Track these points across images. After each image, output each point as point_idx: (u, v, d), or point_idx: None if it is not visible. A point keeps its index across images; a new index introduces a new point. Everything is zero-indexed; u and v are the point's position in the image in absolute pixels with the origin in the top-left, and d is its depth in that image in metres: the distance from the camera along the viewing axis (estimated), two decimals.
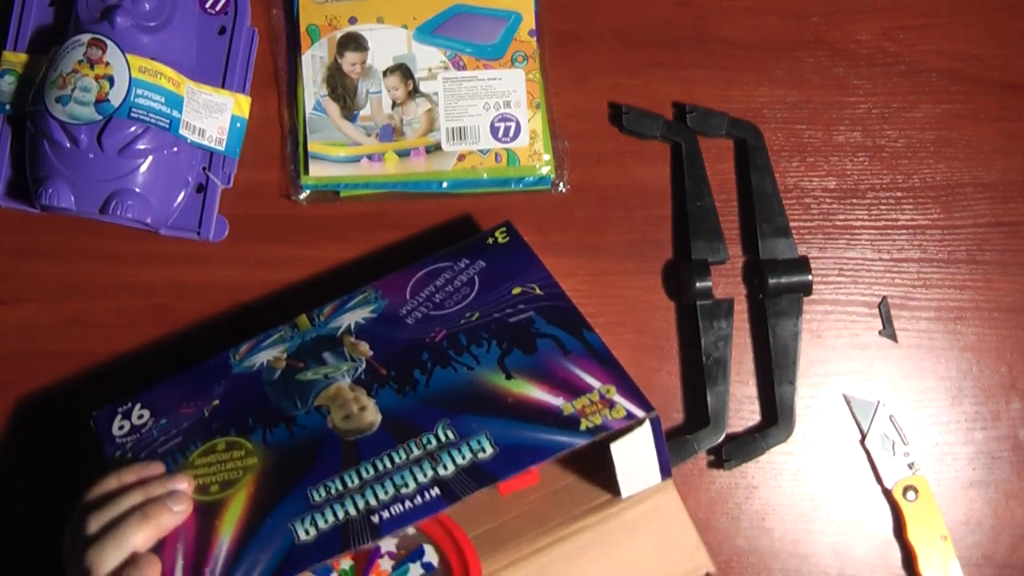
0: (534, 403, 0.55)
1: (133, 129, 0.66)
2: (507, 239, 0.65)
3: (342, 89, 0.71)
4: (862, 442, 0.69)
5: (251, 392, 0.61)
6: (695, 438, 0.66)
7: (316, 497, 0.54)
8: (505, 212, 0.71)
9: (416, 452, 0.54)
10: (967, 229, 0.72)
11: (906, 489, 0.68)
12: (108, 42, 0.66)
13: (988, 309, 0.71)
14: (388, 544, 0.59)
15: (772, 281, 0.68)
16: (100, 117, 0.66)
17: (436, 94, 0.71)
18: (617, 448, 0.54)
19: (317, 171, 0.70)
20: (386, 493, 0.53)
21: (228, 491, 0.56)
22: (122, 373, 0.69)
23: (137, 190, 0.67)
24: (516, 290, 0.62)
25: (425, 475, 0.53)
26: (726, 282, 0.71)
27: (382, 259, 0.70)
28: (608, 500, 0.59)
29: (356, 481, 0.54)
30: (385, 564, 0.58)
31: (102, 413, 0.63)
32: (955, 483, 0.69)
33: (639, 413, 0.54)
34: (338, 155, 0.71)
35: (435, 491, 0.53)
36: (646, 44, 0.73)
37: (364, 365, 0.60)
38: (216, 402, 0.61)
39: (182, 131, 0.68)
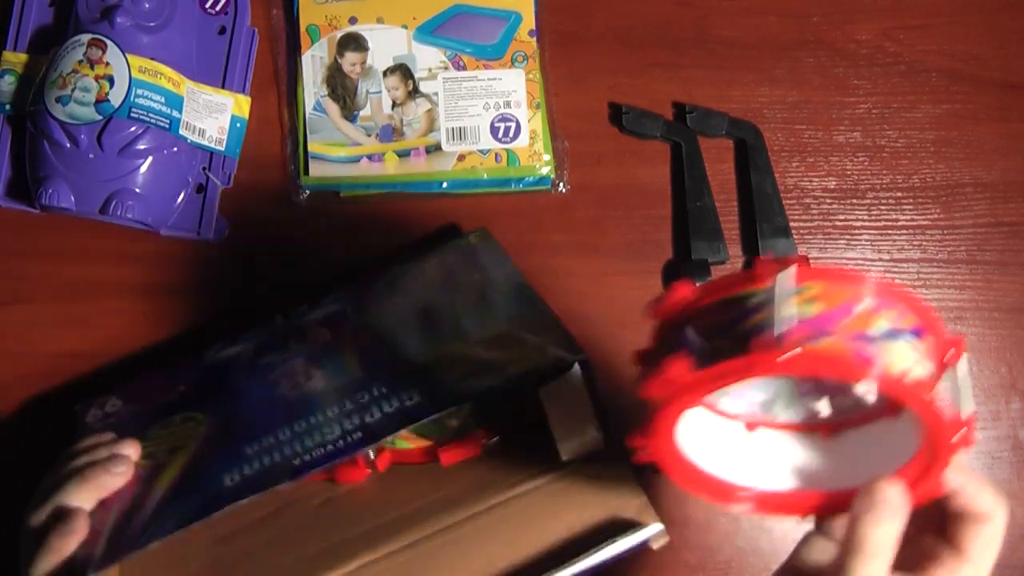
0: (468, 357, 0.56)
1: (133, 129, 0.66)
2: (479, 240, 0.67)
3: (342, 89, 0.71)
4: None
5: (215, 378, 0.63)
6: None
7: (247, 451, 0.55)
8: (505, 212, 0.71)
9: (349, 406, 0.55)
10: (967, 229, 0.72)
11: None
12: (108, 42, 0.66)
13: (988, 309, 0.71)
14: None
15: None
16: (100, 117, 0.66)
17: (436, 94, 0.71)
18: (546, 393, 0.55)
19: (317, 171, 0.70)
20: (312, 441, 0.54)
21: (173, 455, 0.57)
22: (122, 373, 0.69)
23: (137, 190, 0.67)
24: (476, 276, 0.63)
25: (352, 423, 0.54)
26: None
27: (382, 259, 0.70)
28: (551, 466, 0.58)
29: (288, 434, 0.55)
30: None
31: (82, 406, 0.64)
32: None
33: (567, 356, 0.54)
34: (338, 155, 0.71)
35: (358, 434, 0.53)
36: (646, 44, 0.73)
37: (320, 348, 0.61)
38: (182, 388, 0.63)
39: (182, 131, 0.68)
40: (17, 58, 0.70)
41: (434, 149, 0.70)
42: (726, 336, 0.40)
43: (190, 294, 0.70)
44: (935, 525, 0.43)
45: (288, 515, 0.60)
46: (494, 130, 0.71)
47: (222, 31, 0.71)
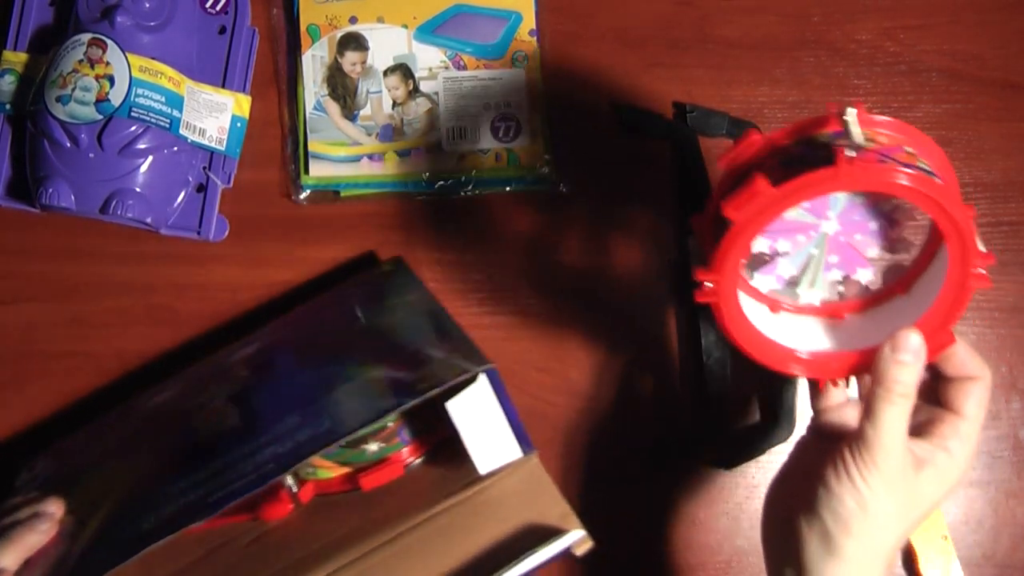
0: (378, 380, 0.56)
1: (133, 129, 0.66)
2: (392, 268, 0.67)
3: (342, 89, 0.71)
4: None
5: (139, 428, 0.63)
6: (695, 438, 0.66)
7: (164, 495, 0.56)
8: (505, 212, 0.71)
9: (262, 439, 0.56)
10: None
11: None
12: (108, 42, 0.66)
13: (988, 309, 0.71)
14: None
15: None
16: (100, 117, 0.66)
17: (436, 94, 0.71)
18: (454, 407, 0.54)
19: (317, 171, 0.70)
20: (227, 477, 0.55)
21: (96, 507, 0.58)
22: (122, 373, 0.69)
23: (137, 190, 0.67)
24: (389, 301, 0.63)
25: (264, 456, 0.55)
26: None
27: (381, 259, 0.70)
28: (471, 482, 0.58)
29: (204, 474, 0.56)
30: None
31: (19, 471, 0.65)
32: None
33: (473, 368, 0.54)
34: (338, 155, 0.71)
35: (270, 465, 0.54)
36: (646, 44, 0.73)
37: (240, 386, 0.62)
38: (109, 443, 0.63)
39: (182, 131, 0.68)
40: (17, 58, 0.70)
41: (434, 149, 0.70)
42: (804, 163, 0.44)
43: (190, 294, 0.70)
44: (931, 397, 0.52)
45: (219, 557, 0.60)
46: (494, 130, 0.71)
47: (222, 31, 0.71)
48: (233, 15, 0.71)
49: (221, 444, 0.57)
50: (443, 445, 0.60)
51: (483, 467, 0.56)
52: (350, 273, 0.70)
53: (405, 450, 0.60)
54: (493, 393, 0.55)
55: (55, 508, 0.58)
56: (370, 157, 0.71)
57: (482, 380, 0.54)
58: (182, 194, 0.70)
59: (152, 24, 0.68)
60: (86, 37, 0.66)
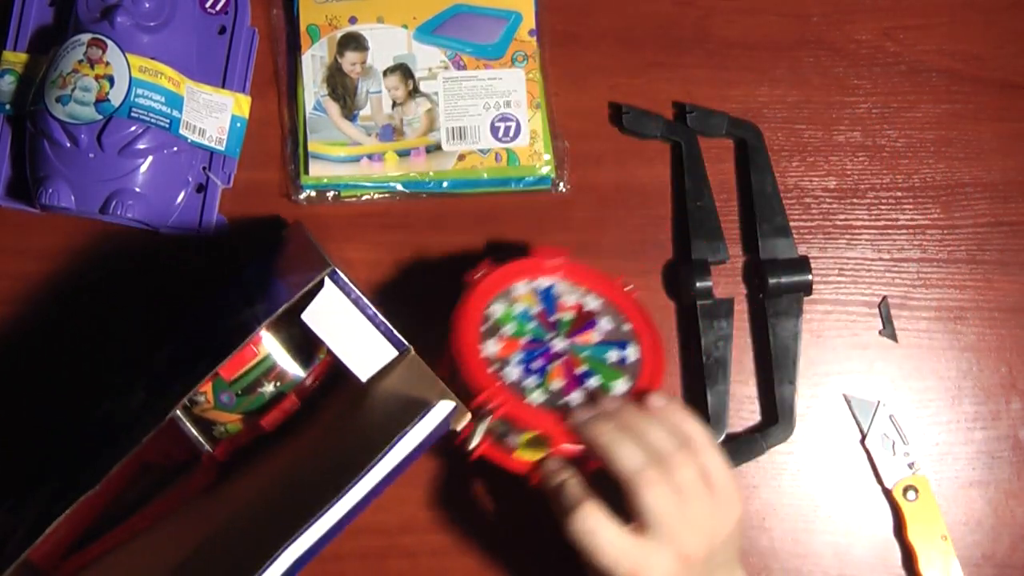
0: (249, 317, 0.58)
1: (133, 129, 0.66)
2: (293, 234, 0.67)
3: (342, 89, 0.71)
4: (862, 442, 0.69)
5: (82, 443, 0.65)
6: None
7: (75, 482, 0.57)
8: (505, 212, 0.71)
9: (152, 398, 0.59)
10: (967, 229, 0.72)
11: (906, 489, 0.68)
12: (108, 42, 0.66)
13: (988, 309, 0.71)
14: (606, 324, 0.63)
15: (772, 281, 0.68)
16: (100, 117, 0.66)
17: (436, 94, 0.71)
18: (310, 317, 0.55)
19: (317, 171, 0.70)
20: (122, 444, 0.56)
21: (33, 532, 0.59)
22: (122, 373, 0.69)
23: (137, 190, 0.67)
24: (290, 277, 0.63)
25: (154, 412, 0.56)
26: (726, 282, 0.71)
27: (382, 259, 0.70)
28: (361, 394, 0.59)
29: (97, 447, 0.59)
30: (595, 335, 0.63)
31: None
32: (955, 483, 0.69)
33: (315, 275, 0.54)
34: (338, 155, 0.71)
35: (157, 414, 0.55)
36: (646, 44, 0.73)
37: (154, 377, 0.64)
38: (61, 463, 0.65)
39: (182, 131, 0.68)
40: (17, 58, 0.70)
41: (434, 149, 0.70)
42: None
43: (190, 293, 0.70)
44: None
45: (157, 536, 0.62)
46: (494, 130, 0.71)
47: (222, 31, 0.71)
48: (233, 15, 0.71)
49: (125, 426, 0.59)
50: (339, 373, 0.60)
51: (362, 373, 0.57)
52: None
53: (306, 382, 0.61)
54: (344, 296, 0.55)
55: None
56: (370, 157, 0.71)
57: (328, 285, 0.55)
58: (182, 194, 0.70)
59: (152, 24, 0.68)
60: (86, 37, 0.66)
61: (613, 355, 0.63)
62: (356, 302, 0.56)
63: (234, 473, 0.62)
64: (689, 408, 0.58)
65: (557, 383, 0.61)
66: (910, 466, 0.68)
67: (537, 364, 0.62)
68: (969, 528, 0.69)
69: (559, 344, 0.63)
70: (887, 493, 0.68)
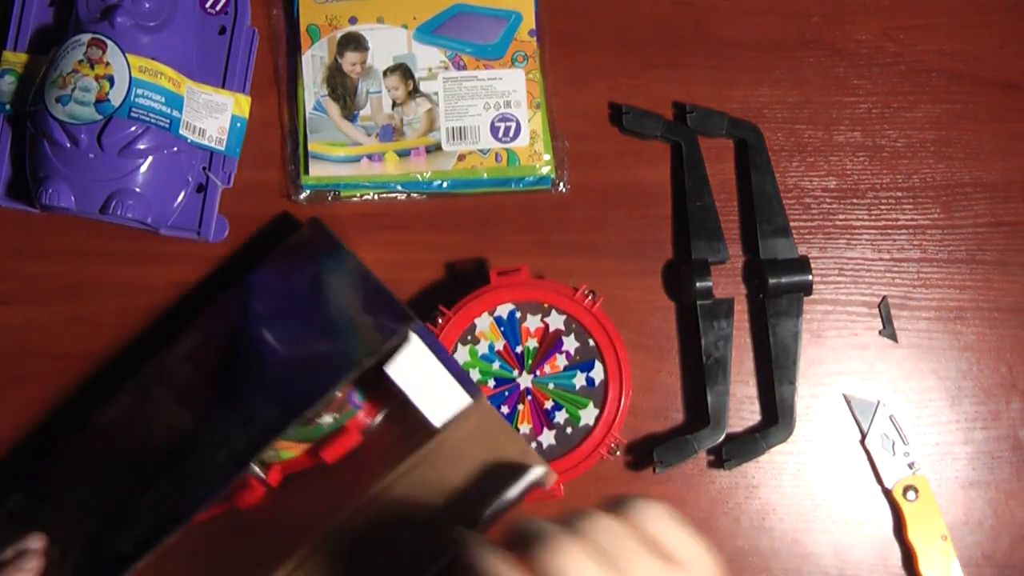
0: (315, 356, 0.57)
1: (133, 129, 0.66)
2: (310, 230, 0.66)
3: (342, 89, 0.71)
4: (862, 442, 0.69)
5: (101, 447, 0.64)
6: (695, 438, 0.66)
7: (135, 512, 0.57)
8: (505, 212, 0.71)
9: (217, 439, 0.57)
10: (967, 229, 0.72)
11: (906, 489, 0.68)
12: (108, 42, 0.66)
13: (988, 309, 0.71)
14: (570, 344, 0.65)
15: (772, 281, 0.68)
16: (100, 117, 0.66)
17: (436, 94, 0.71)
18: (394, 371, 0.56)
19: (317, 171, 0.70)
20: (189, 485, 0.56)
21: (73, 535, 0.58)
22: (122, 373, 0.69)
23: (137, 190, 0.67)
24: (313, 268, 0.63)
25: (222, 456, 0.56)
26: (726, 282, 0.71)
27: (381, 259, 0.70)
28: (429, 435, 0.59)
29: (168, 486, 0.57)
30: (560, 360, 0.65)
31: None
32: (955, 483, 0.69)
33: (399, 327, 0.55)
34: (338, 155, 0.71)
35: (229, 467, 0.55)
36: (646, 44, 0.73)
37: (186, 386, 0.62)
38: (74, 465, 0.64)
39: (182, 131, 0.68)
40: (17, 58, 0.70)
41: (434, 149, 0.70)
42: None
43: (190, 294, 0.70)
44: None
45: (199, 550, 0.61)
46: (494, 130, 0.71)
47: (222, 31, 0.71)
48: (233, 15, 0.71)
49: (177, 451, 0.58)
50: (397, 403, 0.60)
51: (436, 420, 0.57)
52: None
53: (360, 414, 0.61)
54: (427, 348, 0.56)
55: (38, 543, 0.58)
56: (370, 157, 0.71)
57: (414, 340, 0.55)
58: (182, 194, 0.70)
59: (152, 24, 0.68)
60: (86, 37, 0.66)
61: (580, 379, 0.65)
62: (439, 353, 0.57)
63: (289, 500, 0.61)
64: (677, 515, 0.44)
65: (526, 426, 0.65)
66: (910, 466, 0.68)
67: (504, 410, 0.64)
68: (969, 528, 0.69)
69: (525, 382, 0.65)
70: (887, 493, 0.69)
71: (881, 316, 0.71)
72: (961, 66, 0.74)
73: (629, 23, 0.73)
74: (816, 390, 0.70)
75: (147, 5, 0.68)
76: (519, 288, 0.66)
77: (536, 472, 0.57)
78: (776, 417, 0.67)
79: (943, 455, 0.69)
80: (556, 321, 0.66)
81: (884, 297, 0.71)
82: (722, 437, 0.67)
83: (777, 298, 0.68)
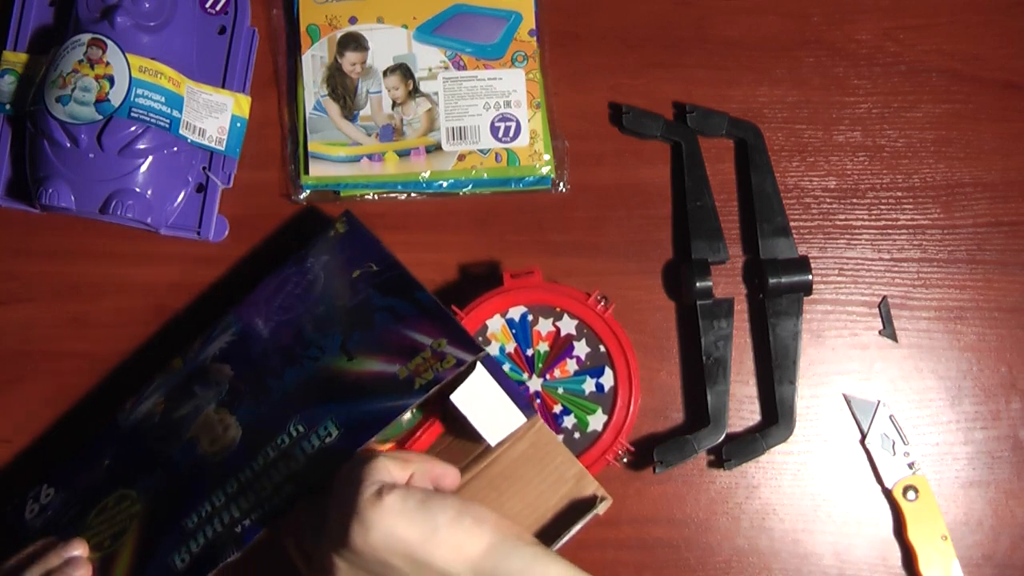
0: (373, 375, 0.57)
1: (133, 129, 0.66)
2: (346, 228, 0.66)
3: (342, 89, 0.71)
4: (862, 442, 0.69)
5: (135, 444, 0.63)
6: (695, 438, 0.66)
7: (189, 525, 0.56)
8: (505, 212, 0.71)
9: (272, 455, 0.56)
10: (967, 229, 0.72)
11: (906, 489, 0.68)
12: (108, 42, 0.66)
13: (988, 309, 0.71)
14: (581, 349, 0.65)
15: (772, 281, 0.68)
16: (100, 117, 0.66)
17: (436, 94, 0.71)
18: (458, 398, 0.56)
19: (317, 171, 0.70)
20: (248, 502, 0.55)
21: (119, 542, 0.58)
22: (122, 373, 0.69)
23: (137, 190, 0.67)
24: (355, 273, 0.63)
25: (280, 474, 0.55)
26: (726, 282, 0.71)
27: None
28: (484, 452, 0.59)
29: (222, 499, 0.56)
30: (571, 365, 0.65)
31: (15, 503, 0.64)
32: (955, 483, 0.69)
33: (468, 358, 0.55)
34: (338, 155, 0.71)
35: (289, 487, 0.55)
36: (646, 44, 0.73)
37: (227, 387, 0.61)
38: (107, 462, 0.63)
39: (182, 131, 0.68)
40: (17, 58, 0.70)
41: (434, 149, 0.70)
42: None
43: (190, 294, 0.70)
44: None
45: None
46: (494, 130, 0.71)
47: (222, 31, 0.71)
48: (233, 15, 0.71)
49: (229, 460, 0.57)
50: (454, 421, 0.60)
51: (493, 439, 0.58)
52: (302, 239, 0.68)
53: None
54: (489, 375, 0.57)
55: (81, 550, 0.58)
56: (370, 157, 0.71)
57: (480, 369, 0.56)
58: (182, 194, 0.70)
59: (152, 24, 0.68)
60: (86, 37, 0.66)
61: (589, 385, 0.65)
62: (500, 380, 0.57)
63: None
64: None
65: None
66: (910, 466, 0.68)
67: None
68: (969, 528, 0.69)
69: (534, 385, 0.65)
70: (887, 493, 0.68)
71: (881, 316, 0.71)
72: (961, 66, 0.74)
73: (629, 23, 0.73)
74: (816, 390, 0.70)
75: (147, 5, 0.68)
76: (532, 291, 0.66)
77: (601, 506, 0.57)
78: (776, 417, 0.67)
79: (943, 455, 0.69)
80: (568, 325, 0.66)
81: (884, 297, 0.71)
82: (722, 437, 0.67)
83: (777, 298, 0.68)
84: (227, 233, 0.70)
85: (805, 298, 0.69)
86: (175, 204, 0.69)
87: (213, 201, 0.70)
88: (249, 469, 0.56)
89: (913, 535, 0.67)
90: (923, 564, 0.67)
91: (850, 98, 0.73)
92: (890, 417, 0.69)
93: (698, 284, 0.67)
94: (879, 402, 0.69)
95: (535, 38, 0.72)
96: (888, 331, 0.71)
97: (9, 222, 0.71)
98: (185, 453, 0.59)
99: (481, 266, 0.70)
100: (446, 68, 0.71)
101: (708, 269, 0.68)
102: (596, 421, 0.65)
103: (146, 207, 0.67)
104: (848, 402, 0.70)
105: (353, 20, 0.72)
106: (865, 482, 0.69)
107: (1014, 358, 0.70)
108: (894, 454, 0.68)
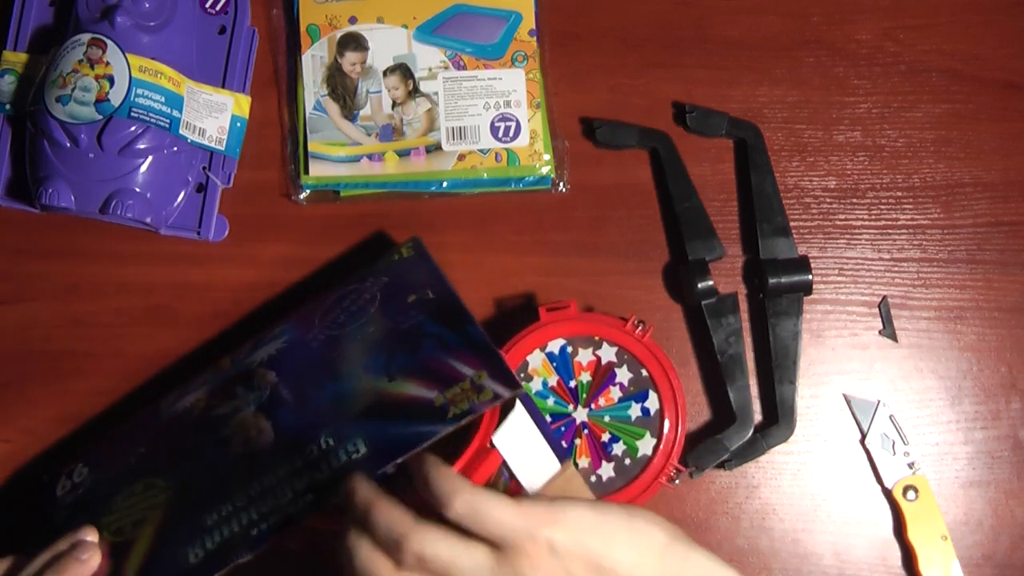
0: (409, 399, 0.56)
1: (133, 129, 0.66)
2: (412, 253, 0.65)
3: (342, 89, 0.71)
4: (862, 442, 0.69)
5: (172, 435, 0.62)
6: (724, 437, 0.66)
7: (209, 522, 0.56)
8: (505, 212, 0.71)
9: (299, 464, 0.56)
10: (967, 229, 0.72)
11: (906, 489, 0.68)
12: (108, 42, 0.66)
13: (988, 309, 0.71)
14: (623, 375, 0.65)
15: (772, 281, 0.68)
16: (100, 117, 0.66)
17: (436, 94, 0.71)
18: (500, 439, 0.56)
19: (317, 171, 0.70)
20: (267, 506, 0.55)
21: (139, 529, 0.58)
22: (122, 373, 0.69)
23: (137, 190, 0.67)
24: (411, 298, 0.62)
25: (303, 483, 0.55)
26: (726, 282, 0.71)
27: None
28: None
29: (243, 501, 0.56)
30: (615, 392, 0.65)
31: (49, 477, 0.64)
32: (955, 483, 0.69)
33: (506, 393, 0.54)
34: (338, 155, 0.71)
35: (309, 496, 0.54)
36: (646, 44, 0.73)
37: (268, 392, 0.61)
38: (142, 450, 0.62)
39: (182, 131, 0.68)
40: (17, 58, 0.70)
41: (434, 149, 0.70)
42: None
43: (190, 294, 0.70)
44: None
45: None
46: (494, 130, 0.71)
47: (222, 31, 0.71)
48: (233, 15, 0.71)
49: (256, 464, 0.57)
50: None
51: (531, 487, 0.58)
52: (365, 256, 0.69)
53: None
54: (528, 415, 0.57)
55: (91, 535, 0.58)
56: (370, 157, 0.71)
57: (519, 408, 0.56)
58: (182, 194, 0.70)
59: (152, 24, 0.68)
60: (86, 37, 0.66)
61: (635, 410, 0.65)
62: (539, 423, 0.57)
63: None
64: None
65: (584, 460, 0.64)
66: (910, 466, 0.68)
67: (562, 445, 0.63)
68: (969, 528, 0.69)
69: (580, 416, 0.65)
70: (887, 493, 0.69)
71: (881, 316, 0.71)
72: (961, 66, 0.74)
73: (629, 23, 0.73)
74: (816, 390, 0.70)
75: (147, 5, 0.68)
76: (569, 323, 0.65)
77: None
78: (776, 417, 0.67)
79: (943, 455, 0.69)
80: (608, 353, 0.65)
81: (884, 297, 0.71)
82: (750, 432, 0.67)
83: (777, 298, 0.68)
84: (227, 233, 0.70)
85: (805, 298, 0.69)
86: (175, 204, 0.69)
87: (213, 201, 0.70)
88: (273, 474, 0.56)
89: (913, 535, 0.67)
90: (923, 564, 0.67)
91: (850, 98, 0.73)
92: (890, 417, 0.69)
93: (699, 285, 0.67)
94: (879, 402, 0.69)
95: (535, 38, 0.72)
96: (888, 331, 0.71)
97: (9, 222, 0.71)
98: (217, 451, 0.59)
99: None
100: (446, 68, 0.71)
101: (707, 268, 0.68)
102: (645, 445, 0.64)
103: (146, 207, 0.67)
104: (848, 402, 0.70)
105: (353, 20, 0.72)
106: (865, 482, 0.69)
107: (1014, 358, 0.70)
108: (894, 454, 0.69)
